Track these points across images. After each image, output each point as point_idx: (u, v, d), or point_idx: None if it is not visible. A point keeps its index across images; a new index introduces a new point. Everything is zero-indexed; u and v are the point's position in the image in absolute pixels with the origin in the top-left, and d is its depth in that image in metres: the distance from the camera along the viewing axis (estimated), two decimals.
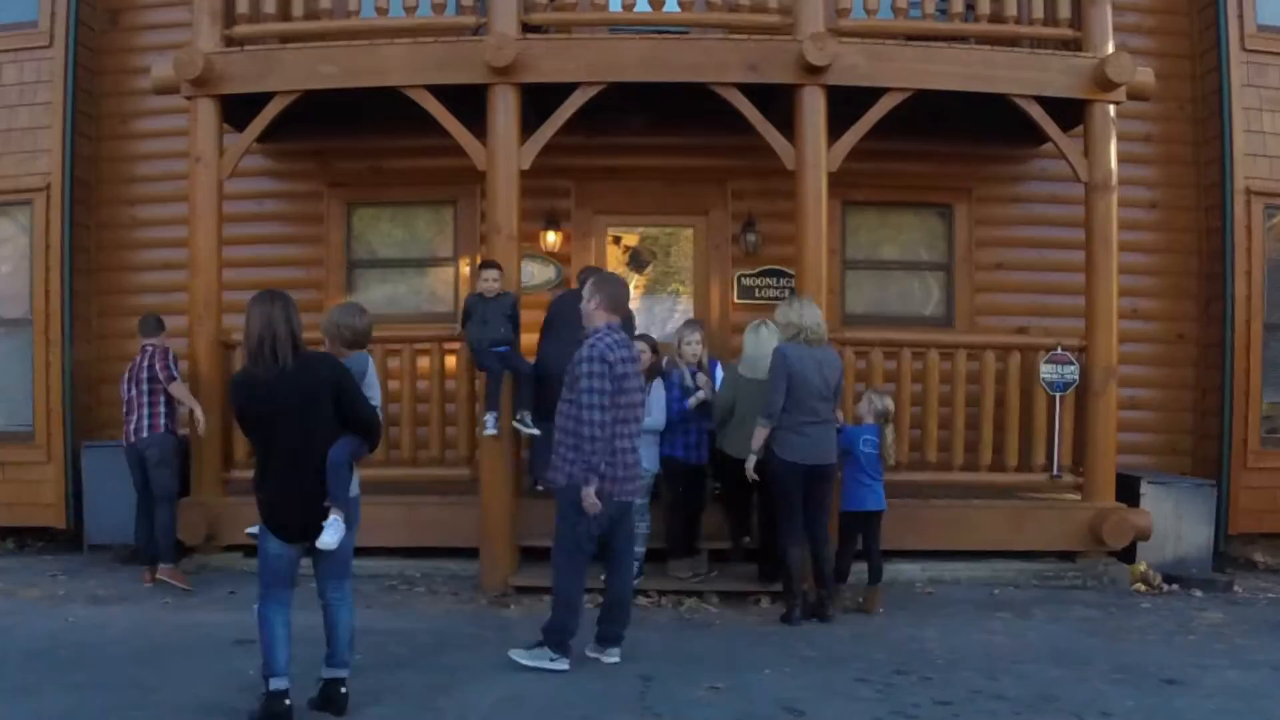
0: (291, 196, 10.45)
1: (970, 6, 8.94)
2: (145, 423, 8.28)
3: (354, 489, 5.46)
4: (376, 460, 8.59)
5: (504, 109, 8.24)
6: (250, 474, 8.53)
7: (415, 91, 8.28)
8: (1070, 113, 8.58)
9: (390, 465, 8.71)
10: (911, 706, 5.58)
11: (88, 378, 10.26)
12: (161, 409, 8.32)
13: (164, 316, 9.98)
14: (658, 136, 10.02)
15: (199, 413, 8.22)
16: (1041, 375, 8.58)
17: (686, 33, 8.75)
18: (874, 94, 8.29)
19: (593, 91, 8.25)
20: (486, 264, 8.26)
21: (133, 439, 8.29)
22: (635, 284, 10.62)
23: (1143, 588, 8.46)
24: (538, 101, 8.47)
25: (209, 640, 6.60)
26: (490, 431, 8.06)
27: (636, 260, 10.72)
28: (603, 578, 6.34)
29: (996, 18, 8.67)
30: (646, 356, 7.64)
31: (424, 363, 8.73)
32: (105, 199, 10.47)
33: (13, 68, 10.10)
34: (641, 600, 7.67)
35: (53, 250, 9.89)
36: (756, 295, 10.17)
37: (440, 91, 8.26)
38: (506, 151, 8.25)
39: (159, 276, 10.27)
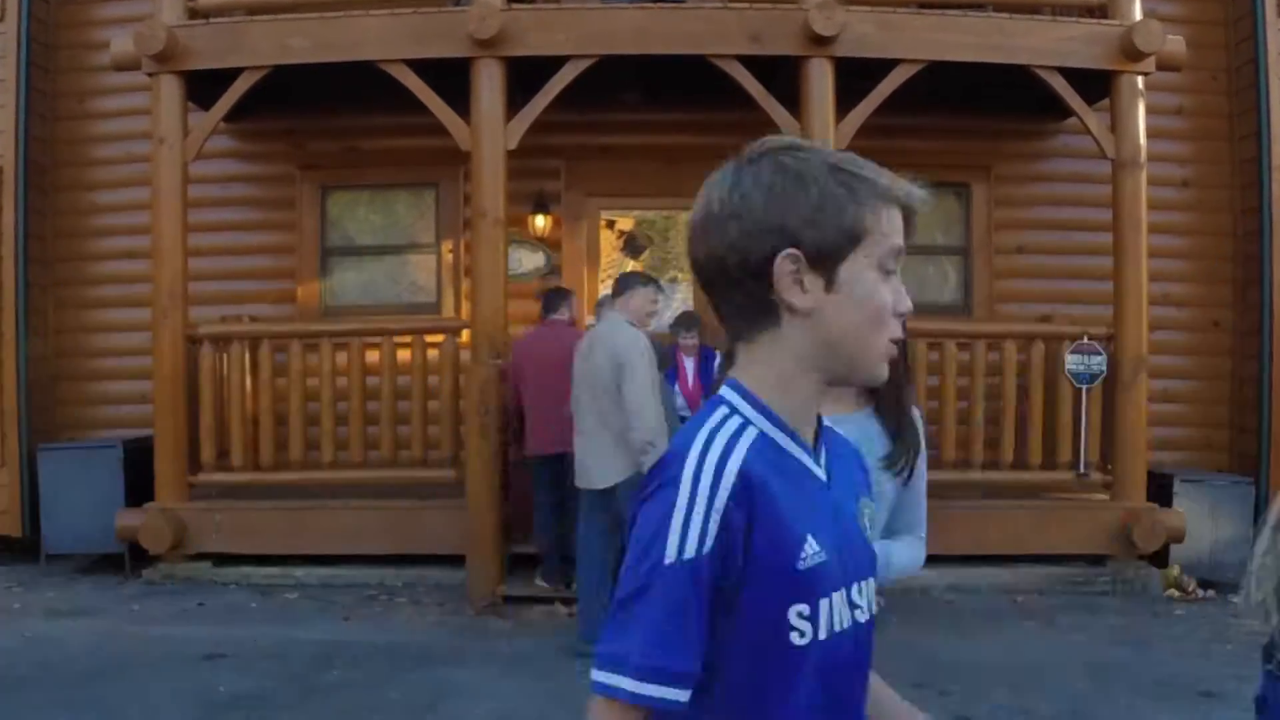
0: (261, 180, 10.42)
1: None
2: None
3: None
4: (354, 462, 8.64)
5: (488, 84, 8.21)
6: (218, 476, 8.64)
7: (393, 66, 8.25)
8: (1095, 85, 8.55)
9: (369, 467, 8.70)
10: None
11: (44, 376, 10.22)
12: None
13: (127, 309, 10.06)
14: (654, 113, 9.99)
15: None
16: (1067, 366, 8.56)
17: (683, 1, 8.72)
18: (885, 66, 8.26)
19: (584, 65, 8.22)
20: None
21: None
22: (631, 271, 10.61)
23: (1176, 594, 8.45)
24: (525, 76, 8.43)
25: (176, 655, 6.59)
26: None
27: (632, 245, 10.71)
28: None
29: None
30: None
31: (404, 356, 8.70)
32: (62, 183, 10.43)
33: None
34: None
35: (6, 239, 9.84)
36: None
37: (420, 66, 8.22)
38: (492, 130, 8.22)
39: (120, 266, 10.25)
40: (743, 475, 1.61)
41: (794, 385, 1.71)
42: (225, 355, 8.68)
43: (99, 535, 8.81)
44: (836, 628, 1.72)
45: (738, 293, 1.69)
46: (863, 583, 1.83)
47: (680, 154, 10.22)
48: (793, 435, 1.72)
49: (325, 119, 10.08)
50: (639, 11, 8.40)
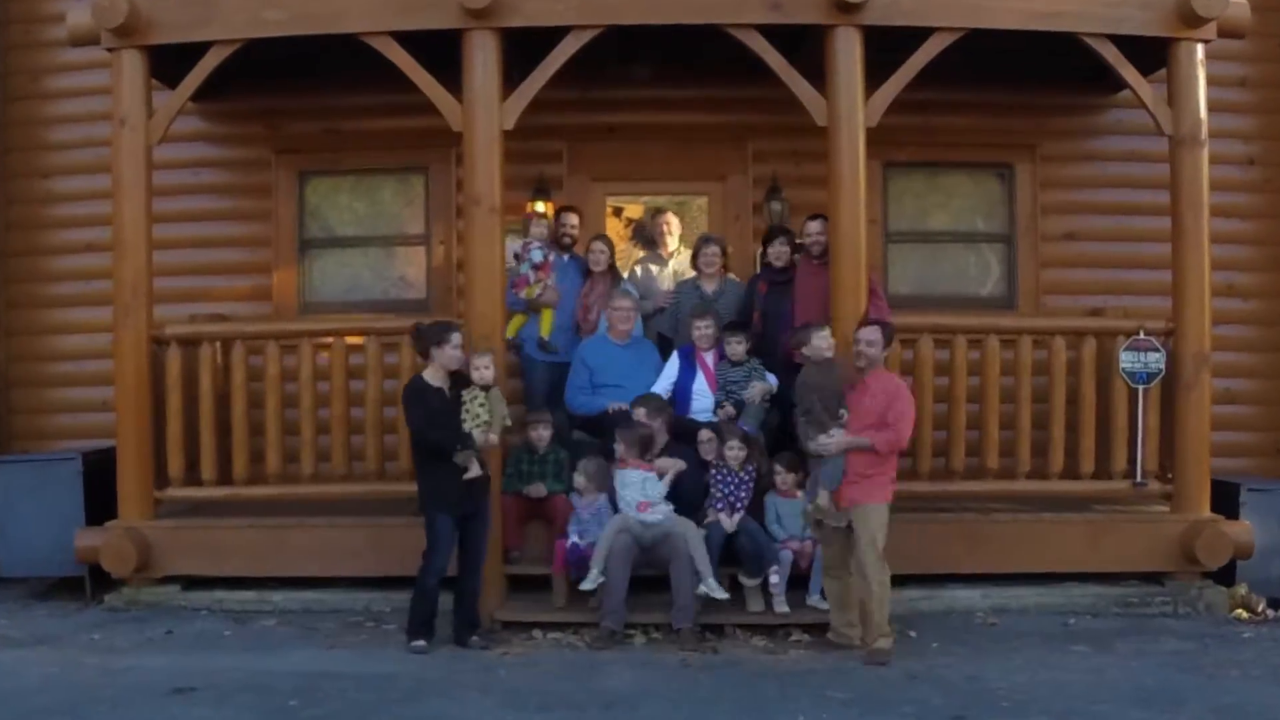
0: (233, 165, 10.44)
1: None
2: None
3: None
4: (337, 474, 8.64)
5: (482, 58, 8.20)
6: (187, 491, 8.64)
7: (378, 39, 8.24)
8: (1151, 54, 8.52)
9: (353, 480, 8.69)
10: None
11: None
12: None
13: (87, 308, 10.07)
14: (665, 89, 10.00)
15: None
16: (1121, 365, 8.54)
17: None
18: (919, 35, 8.23)
19: (587, 36, 8.21)
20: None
21: None
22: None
23: (1244, 614, 8.43)
24: (523, 49, 8.42)
25: (142, 688, 6.58)
26: None
27: (641, 234, 10.70)
28: None
29: None
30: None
31: (392, 359, 8.69)
32: (14, 170, 10.46)
33: None
34: (653, 635, 7.69)
35: None
36: None
37: (408, 39, 8.22)
38: (486, 108, 8.21)
39: (79, 261, 10.28)
40: None
41: None
42: (194, 358, 8.66)
43: (57, 556, 8.82)
44: None
45: None
46: None
47: (694, 134, 10.27)
48: None
49: (303, 98, 10.09)
50: None
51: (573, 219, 9.49)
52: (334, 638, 7.76)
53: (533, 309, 9.12)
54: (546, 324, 9.15)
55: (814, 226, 8.80)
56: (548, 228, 9.31)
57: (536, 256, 9.01)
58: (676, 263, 9.68)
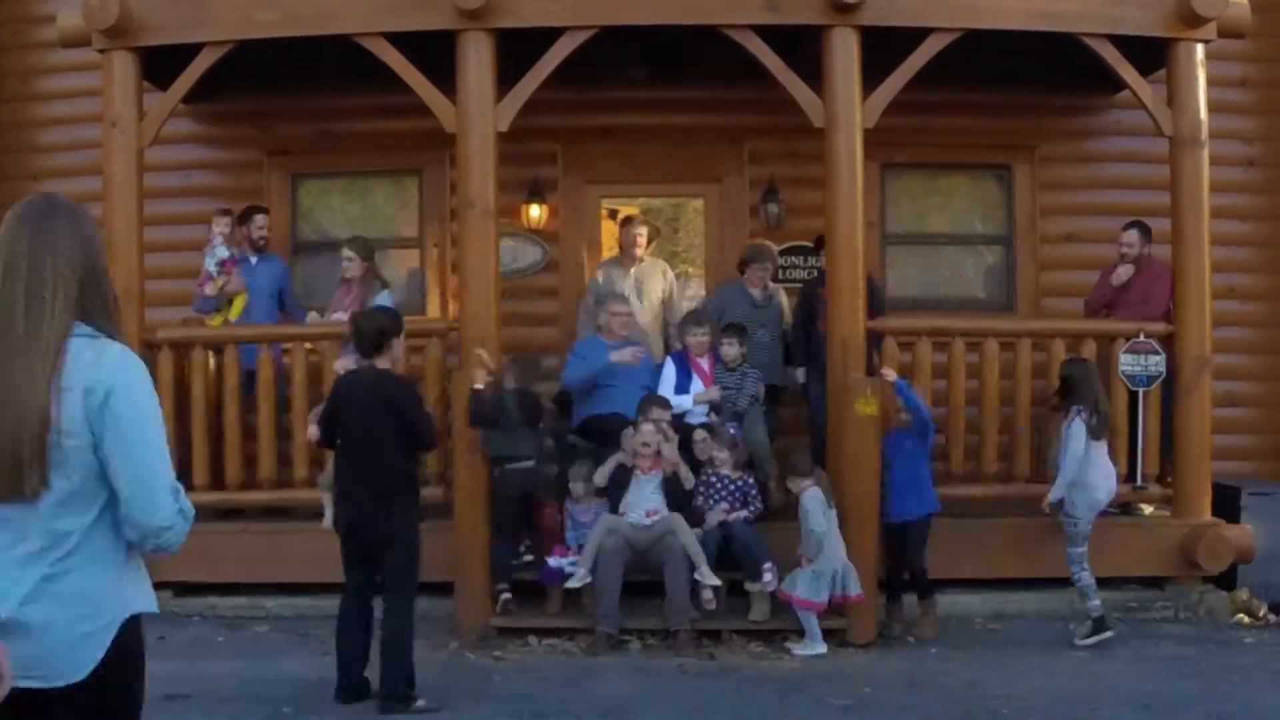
0: (225, 167, 10.44)
1: None
2: None
3: None
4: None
5: (476, 59, 8.19)
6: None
7: (371, 40, 8.24)
8: (1150, 54, 8.53)
9: None
10: None
11: None
12: None
13: None
14: (661, 90, 9.99)
15: None
16: (1120, 368, 8.54)
17: None
18: (917, 36, 8.24)
19: (582, 37, 8.20)
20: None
21: None
22: None
23: (1245, 619, 8.43)
24: (517, 50, 8.42)
25: None
26: None
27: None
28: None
29: None
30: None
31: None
32: (5, 172, 10.43)
33: None
34: (649, 641, 7.68)
35: None
36: (780, 277, 10.14)
37: (401, 40, 8.22)
38: (480, 110, 8.21)
39: None
40: None
41: None
42: (186, 362, 8.66)
43: None
44: None
45: None
46: None
47: (690, 135, 10.26)
48: None
49: (296, 99, 10.08)
50: None
51: (262, 219, 9.51)
52: (326, 644, 7.72)
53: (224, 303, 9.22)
54: (237, 310, 9.27)
55: (1131, 236, 8.95)
56: (230, 225, 9.33)
57: (222, 253, 9.15)
58: (639, 270, 9.56)
